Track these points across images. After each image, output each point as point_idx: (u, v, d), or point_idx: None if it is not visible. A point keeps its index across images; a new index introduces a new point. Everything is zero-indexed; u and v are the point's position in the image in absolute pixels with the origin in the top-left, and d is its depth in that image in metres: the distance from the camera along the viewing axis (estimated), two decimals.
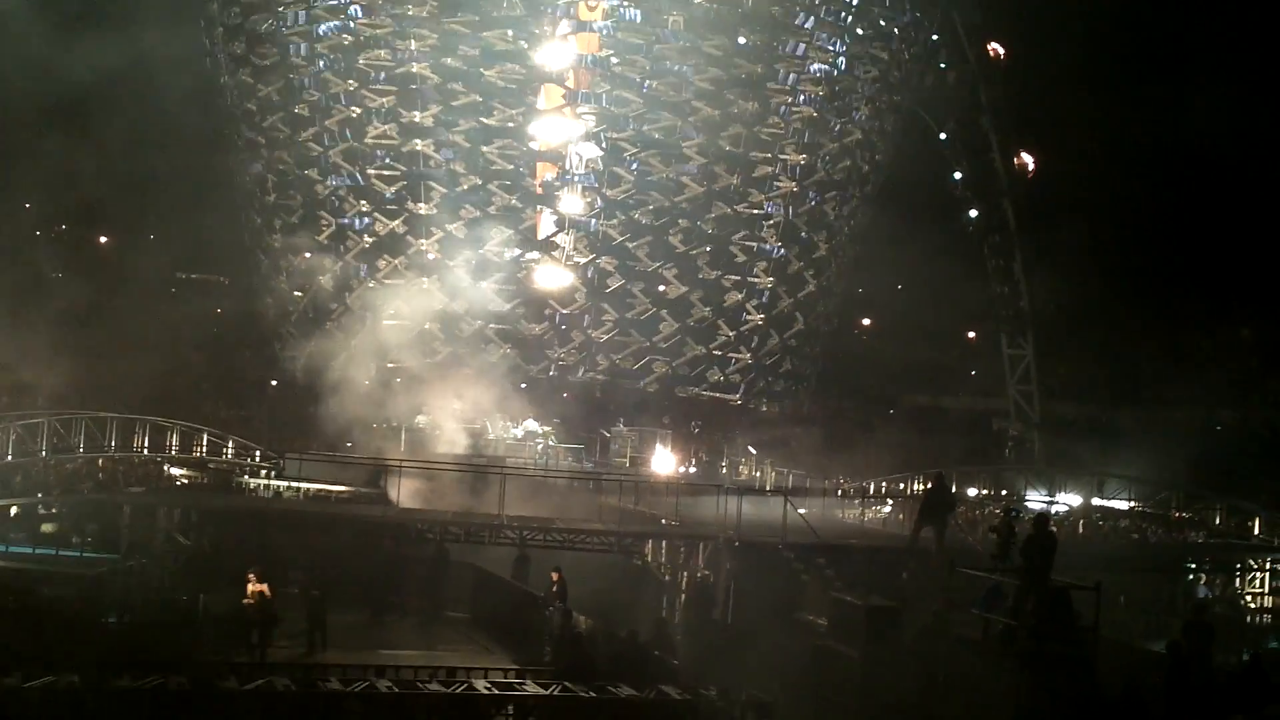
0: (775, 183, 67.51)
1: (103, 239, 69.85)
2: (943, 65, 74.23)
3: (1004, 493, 53.30)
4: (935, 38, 72.88)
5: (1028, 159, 73.34)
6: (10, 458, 40.55)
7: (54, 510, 39.92)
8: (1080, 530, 50.40)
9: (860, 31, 69.15)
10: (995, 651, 28.22)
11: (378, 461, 49.11)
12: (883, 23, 69.91)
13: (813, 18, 67.27)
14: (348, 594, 36.26)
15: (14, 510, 39.40)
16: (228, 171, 68.59)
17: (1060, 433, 68.42)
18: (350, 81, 65.53)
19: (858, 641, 30.19)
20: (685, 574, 40.85)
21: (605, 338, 65.22)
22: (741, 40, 66.08)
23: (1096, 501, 53.36)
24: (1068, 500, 52.94)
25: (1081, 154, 65.09)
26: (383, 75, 65.39)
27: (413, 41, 65.02)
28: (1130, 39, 63.83)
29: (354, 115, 65.65)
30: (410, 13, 64.79)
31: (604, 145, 64.96)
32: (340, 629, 33.95)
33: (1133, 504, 51.91)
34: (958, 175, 73.99)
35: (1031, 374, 72.60)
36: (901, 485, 53.34)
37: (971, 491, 53.40)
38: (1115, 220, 68.20)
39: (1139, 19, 64.19)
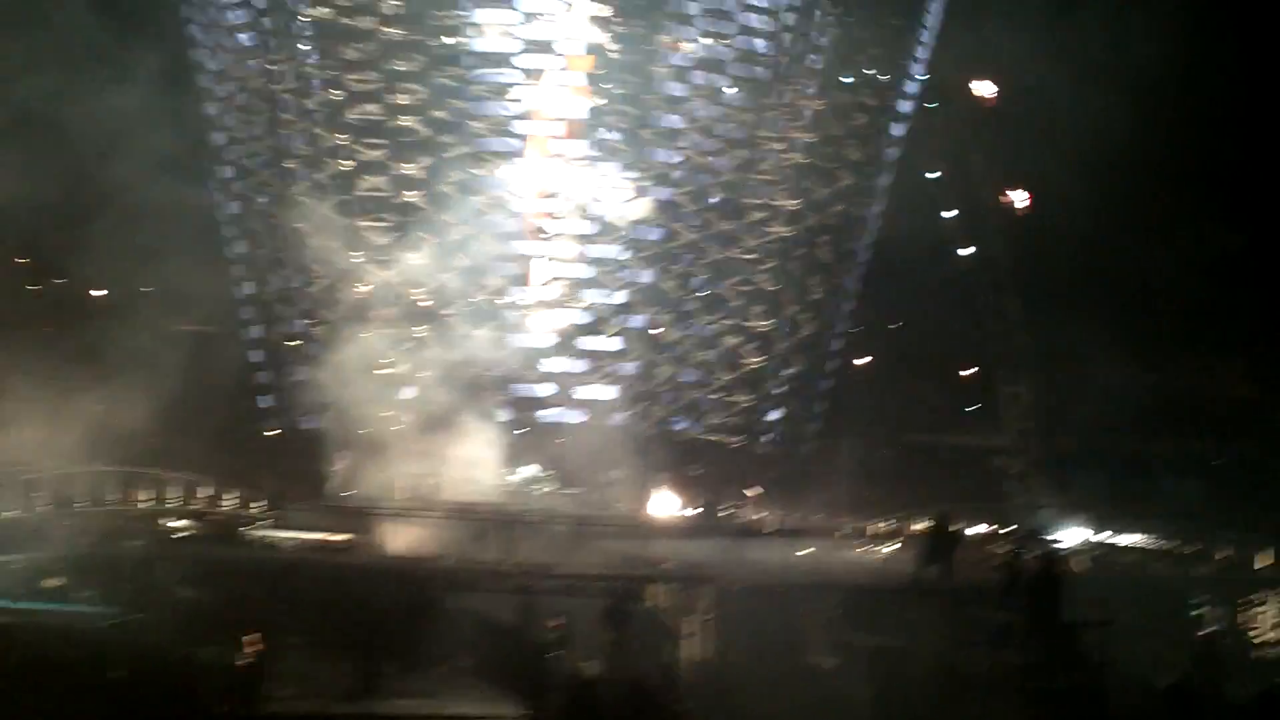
0: (768, 228, 67.59)
1: (95, 293, 69.68)
2: (933, 105, 74.48)
3: (1007, 530, 53.19)
4: (925, 78, 73.15)
5: (1019, 196, 73.47)
6: (11, 512, 40.38)
7: (56, 565, 39.70)
8: (1084, 566, 50.23)
9: (847, 80, 69.29)
10: (1005, 689, 28.13)
11: (373, 510, 48.99)
12: (867, 70, 70.03)
13: (799, 65, 67.53)
14: (346, 643, 36.06)
15: (15, 565, 39.19)
16: (217, 225, 68.49)
17: (1061, 468, 68.26)
18: (340, 135, 65.68)
19: (865, 683, 30.10)
20: (689, 618, 40.76)
21: (602, 382, 65.07)
22: (730, 89, 66.33)
23: (1099, 537, 53.25)
24: (1070, 536, 52.81)
25: (1074, 188, 65.08)
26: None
27: (400, 96, 65.24)
28: (1124, 69, 63.82)
29: (345, 168, 65.75)
30: (400, 68, 65.09)
31: (595, 193, 64.98)
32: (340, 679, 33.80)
33: (1137, 538, 51.82)
34: (949, 214, 74.14)
35: (1029, 410, 72.54)
36: (904, 524, 53.22)
37: (974, 529, 53.28)
38: (1109, 253, 68.17)
39: (1131, 48, 64.21)
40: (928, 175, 74.64)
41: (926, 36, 71.52)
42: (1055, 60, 63.69)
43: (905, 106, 72.41)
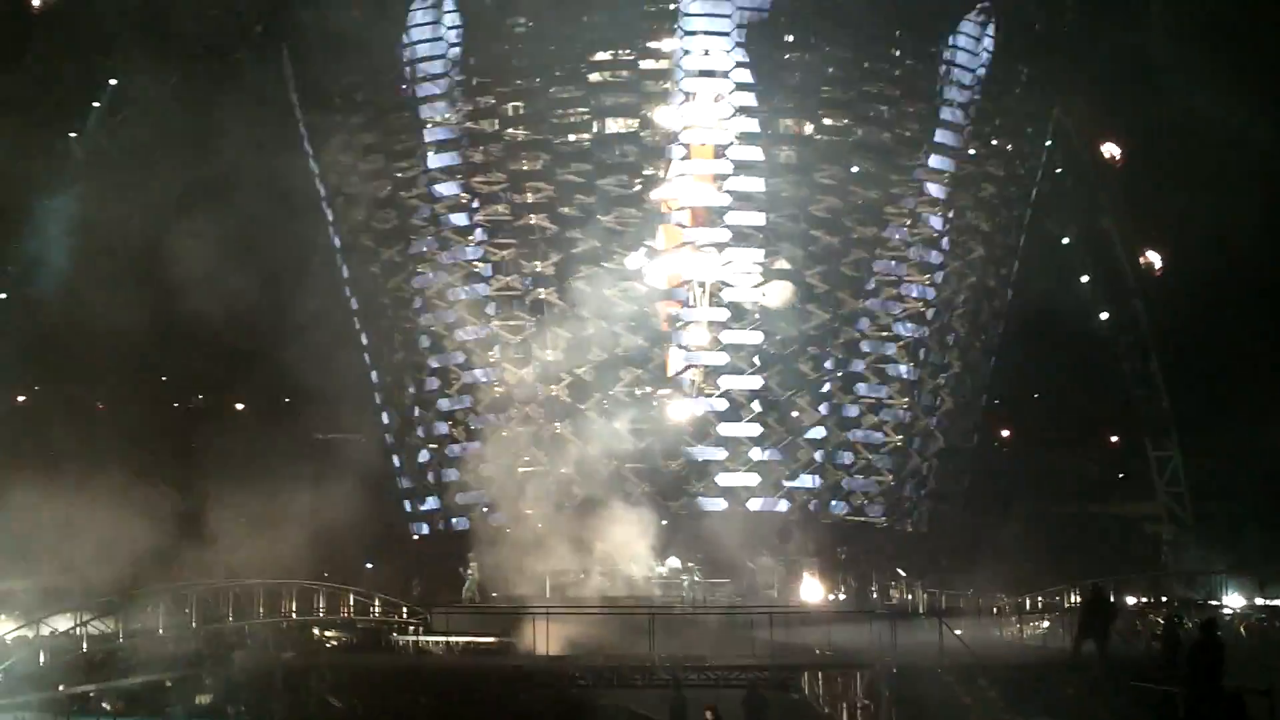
0: (902, 304, 67.20)
1: (239, 406, 71.10)
2: (1059, 170, 73.87)
3: (1164, 599, 52.11)
4: (1049, 144, 72.61)
5: (1154, 257, 72.58)
6: (161, 630, 40.81)
7: (208, 681, 40.04)
8: (1247, 632, 48.99)
9: (972, 152, 68.91)
10: None
11: (521, 609, 49.02)
12: (994, 141, 69.64)
13: (923, 141, 67.37)
14: None
15: (168, 683, 39.57)
16: (353, 332, 69.26)
17: (1216, 533, 66.89)
18: (471, 237, 66.37)
19: None
20: (844, 705, 40.26)
21: (743, 469, 64.74)
22: (855, 169, 66.23)
23: (1262, 601, 51.94)
24: (1231, 601, 51.60)
25: (1211, 244, 64.03)
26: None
27: (527, 194, 65.83)
28: (1248, 124, 62.84)
29: (476, 269, 66.40)
30: (525, 168, 65.72)
31: (727, 279, 64.97)
32: None
33: None
34: (1085, 279, 73.45)
35: (1180, 475, 71.30)
36: (1057, 598, 52.28)
37: (1130, 600, 52.26)
38: (1252, 306, 66.85)
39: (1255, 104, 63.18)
40: (1062, 241, 74.06)
41: (1053, 104, 71.06)
42: (1189, 118, 63.04)
43: (1034, 174, 71.90)
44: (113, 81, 66.45)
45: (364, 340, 69.71)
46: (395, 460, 69.30)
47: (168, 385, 69.22)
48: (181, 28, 61.83)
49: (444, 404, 67.43)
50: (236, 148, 58.12)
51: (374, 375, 69.68)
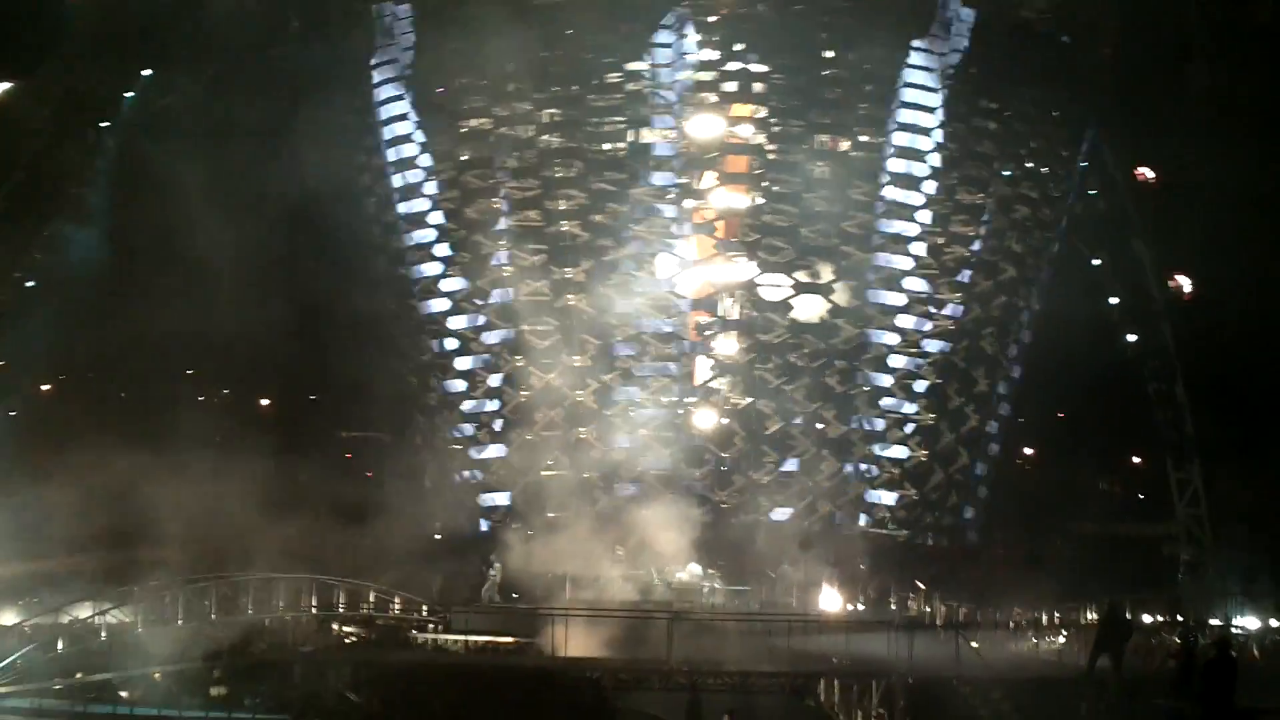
0: (931, 321, 67.19)
1: (264, 401, 71.28)
2: (1092, 192, 73.88)
3: (1180, 618, 52.19)
4: (1084, 165, 72.61)
5: (1184, 281, 72.60)
6: (180, 621, 41.06)
7: (226, 672, 40.26)
8: (1260, 653, 49.03)
9: (1007, 173, 68.91)
10: None
11: (540, 611, 49.20)
12: (1030, 164, 69.64)
13: (957, 161, 67.40)
14: None
15: (186, 673, 39.80)
16: (377, 331, 69.25)
17: (1234, 554, 66.89)
18: (501, 241, 66.55)
19: None
20: (859, 714, 40.37)
21: (767, 479, 64.86)
22: (890, 186, 66.23)
23: (1275, 623, 52.04)
24: (1246, 623, 51.69)
25: (1241, 271, 64.08)
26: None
27: (561, 202, 66.06)
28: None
29: (505, 274, 66.52)
30: (559, 175, 65.96)
31: (756, 291, 65.11)
32: None
33: None
34: (1114, 300, 73.45)
35: (1200, 496, 71.21)
36: (1074, 614, 52.35)
37: (1146, 618, 52.33)
38: (1276, 331, 66.76)
39: None
40: (1092, 262, 74.08)
41: (1087, 124, 71.08)
42: (1221, 140, 63.06)
43: (1067, 196, 71.85)
44: (146, 71, 67.12)
45: (388, 338, 69.75)
46: (418, 460, 69.42)
47: (194, 379, 69.45)
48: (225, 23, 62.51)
49: (469, 405, 67.63)
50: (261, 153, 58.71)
51: (397, 373, 69.73)
